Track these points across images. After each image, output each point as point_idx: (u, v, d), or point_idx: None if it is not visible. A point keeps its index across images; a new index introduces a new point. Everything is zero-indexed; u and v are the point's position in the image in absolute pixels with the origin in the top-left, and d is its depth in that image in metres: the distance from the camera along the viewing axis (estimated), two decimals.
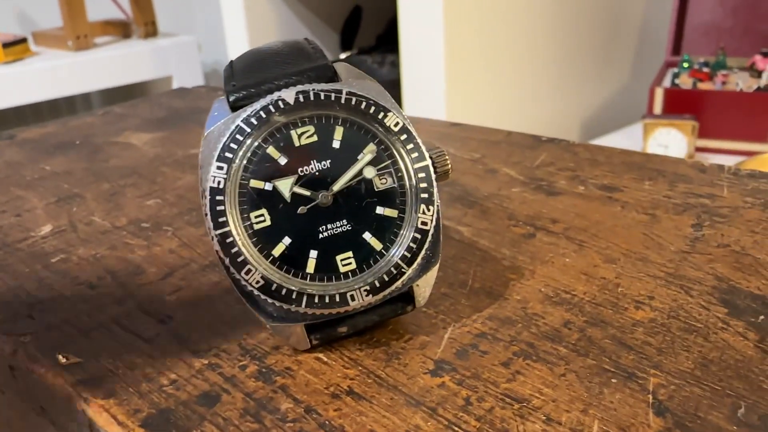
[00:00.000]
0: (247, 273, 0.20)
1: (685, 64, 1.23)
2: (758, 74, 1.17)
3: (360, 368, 0.21)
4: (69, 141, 0.47)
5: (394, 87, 1.10)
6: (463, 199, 0.33)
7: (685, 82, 1.19)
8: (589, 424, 0.18)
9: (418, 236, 0.21)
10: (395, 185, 0.21)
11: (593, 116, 1.69)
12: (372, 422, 0.19)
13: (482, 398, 0.20)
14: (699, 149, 1.09)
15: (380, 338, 0.23)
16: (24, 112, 1.42)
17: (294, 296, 0.20)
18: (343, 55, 1.29)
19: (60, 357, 0.23)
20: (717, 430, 0.18)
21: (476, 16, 1.38)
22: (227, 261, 0.20)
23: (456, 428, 0.19)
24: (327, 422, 0.19)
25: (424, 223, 0.21)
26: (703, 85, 1.18)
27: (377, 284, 0.21)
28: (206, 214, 0.20)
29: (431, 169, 0.22)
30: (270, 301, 0.20)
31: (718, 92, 1.14)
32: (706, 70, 1.22)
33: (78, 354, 0.23)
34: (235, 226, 0.20)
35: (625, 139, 1.11)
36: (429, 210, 0.21)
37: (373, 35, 1.40)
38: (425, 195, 0.21)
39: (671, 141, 1.05)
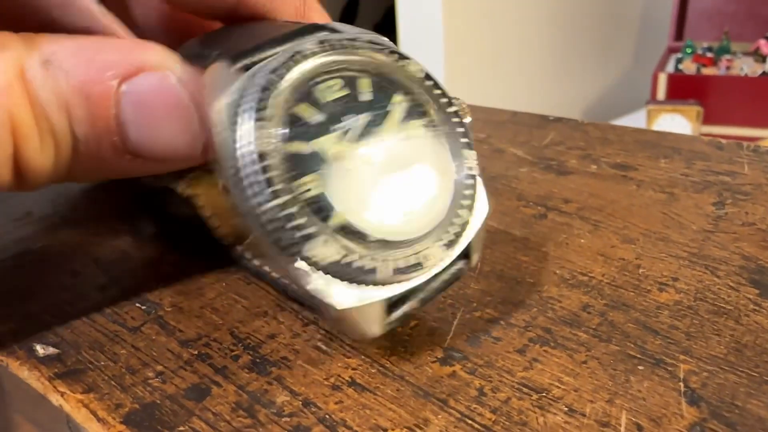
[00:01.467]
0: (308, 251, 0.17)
1: (689, 50, 1.21)
2: (763, 59, 1.15)
3: (363, 357, 0.20)
4: None
5: None
6: None
7: (689, 67, 1.17)
8: (616, 415, 0.17)
9: (470, 182, 0.20)
10: (433, 133, 0.20)
11: (595, 103, 1.67)
12: (377, 415, 0.17)
13: (497, 388, 0.18)
14: (703, 136, 1.07)
15: None
16: None
17: (367, 268, 0.17)
18: None
19: (38, 348, 0.21)
20: (758, 420, 0.16)
21: (476, 4, 1.36)
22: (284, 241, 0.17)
23: (469, 421, 0.17)
24: (327, 416, 0.17)
25: (470, 168, 0.20)
26: (707, 71, 1.16)
27: (451, 237, 0.19)
28: (249, 188, 0.17)
29: (461, 113, 0.20)
30: (341, 282, 0.17)
31: (723, 77, 1.12)
32: (709, 55, 1.20)
33: (57, 345, 0.21)
34: (285, 199, 0.17)
35: (628, 125, 1.09)
36: (472, 154, 0.20)
37: (370, 24, 1.38)
38: (465, 140, 0.20)
39: (676, 127, 1.03)
